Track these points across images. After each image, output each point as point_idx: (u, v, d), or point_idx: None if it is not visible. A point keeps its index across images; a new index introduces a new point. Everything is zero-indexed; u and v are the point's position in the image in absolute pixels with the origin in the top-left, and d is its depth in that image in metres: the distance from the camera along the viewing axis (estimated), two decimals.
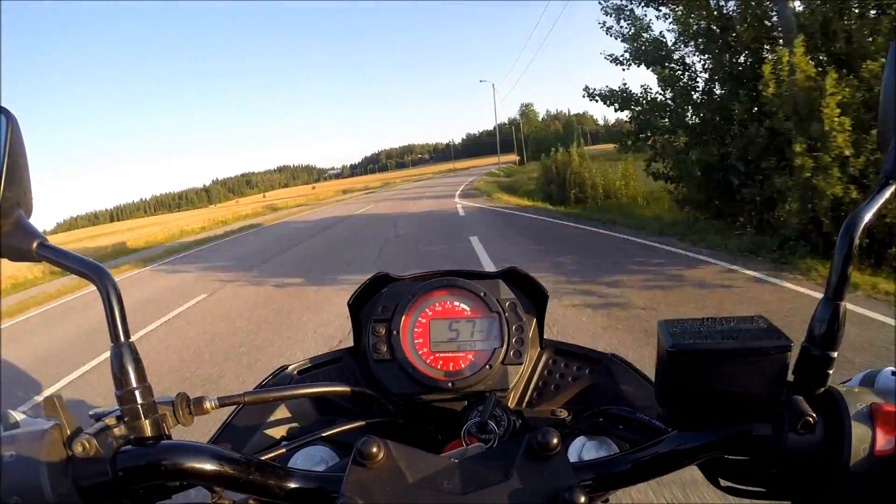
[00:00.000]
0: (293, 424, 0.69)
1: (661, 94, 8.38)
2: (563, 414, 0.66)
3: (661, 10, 8.39)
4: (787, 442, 0.40)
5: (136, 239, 23.05)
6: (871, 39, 5.57)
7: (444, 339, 0.68)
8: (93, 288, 0.44)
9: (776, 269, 5.23)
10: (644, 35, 8.35)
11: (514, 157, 42.96)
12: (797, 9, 6.49)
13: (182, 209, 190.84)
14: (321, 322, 5.08)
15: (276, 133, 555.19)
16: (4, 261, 0.46)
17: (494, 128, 49.52)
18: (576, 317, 4.32)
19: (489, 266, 6.38)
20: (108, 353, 0.43)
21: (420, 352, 0.67)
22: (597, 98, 8.71)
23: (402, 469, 0.40)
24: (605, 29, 8.63)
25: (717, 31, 7.57)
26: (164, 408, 0.46)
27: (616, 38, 8.62)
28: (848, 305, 0.40)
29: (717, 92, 7.92)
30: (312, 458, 0.61)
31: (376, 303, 0.71)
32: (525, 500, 0.38)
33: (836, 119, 5.17)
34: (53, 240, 0.45)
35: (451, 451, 0.50)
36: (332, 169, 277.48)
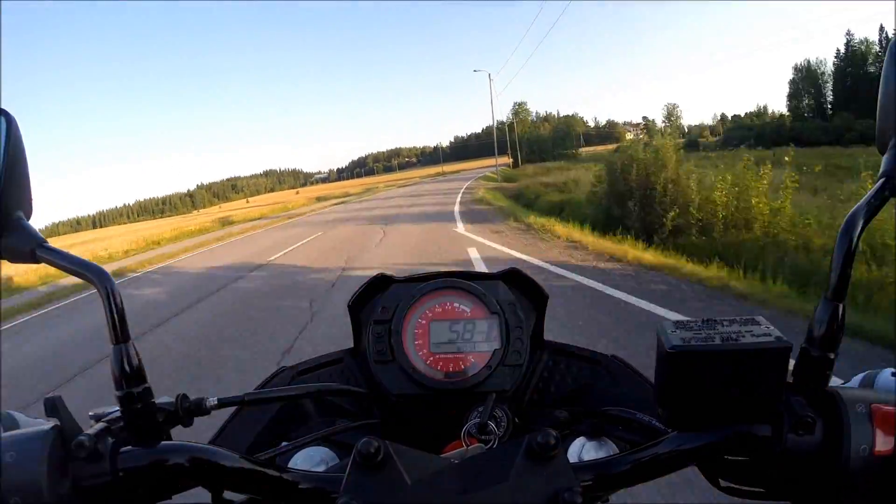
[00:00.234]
0: (293, 425, 0.68)
1: None
2: (563, 415, 0.65)
3: None
4: (787, 442, 0.40)
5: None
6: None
7: (445, 340, 0.68)
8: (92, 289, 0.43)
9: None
10: None
11: (506, 160, 41.58)
12: None
13: (165, 215, 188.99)
14: None
15: (264, 136, 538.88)
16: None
17: (492, 121, 48.30)
18: None
19: None
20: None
21: (420, 353, 0.67)
22: None
23: (401, 470, 0.40)
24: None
25: None
26: (164, 408, 0.46)
27: None
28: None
29: None
30: (312, 459, 0.61)
31: (376, 304, 0.71)
32: (525, 501, 0.38)
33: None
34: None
35: (451, 452, 0.51)
36: (319, 173, 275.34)
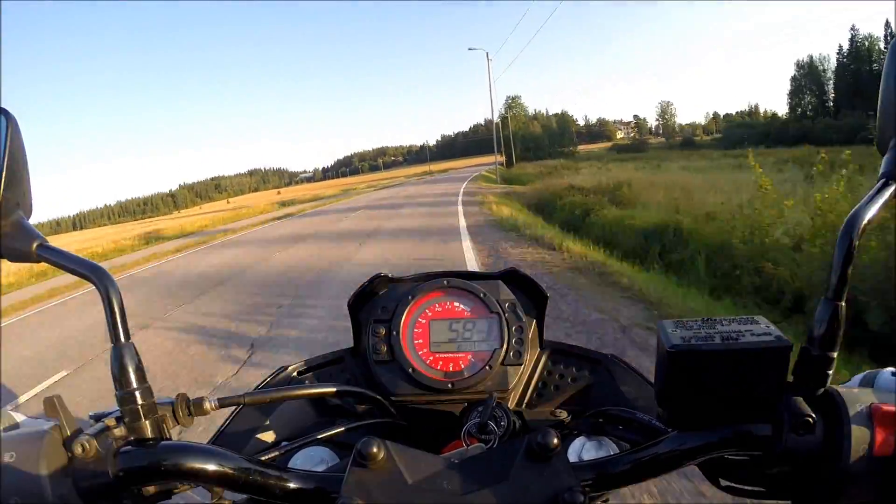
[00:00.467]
0: (293, 425, 0.69)
1: None
2: (563, 414, 0.66)
3: None
4: (787, 442, 0.40)
5: None
6: None
7: (444, 339, 0.68)
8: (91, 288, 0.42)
9: None
10: None
11: (498, 158, 38.60)
12: None
13: (147, 216, 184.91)
14: None
15: (249, 135, 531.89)
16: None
17: (490, 110, 42.58)
18: None
19: None
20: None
21: (420, 352, 0.67)
22: None
23: (401, 470, 0.40)
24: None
25: None
26: (164, 408, 0.46)
27: None
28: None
29: None
30: (312, 459, 0.61)
31: (376, 303, 0.71)
32: (525, 501, 0.38)
33: None
34: None
35: (451, 452, 0.50)
36: (304, 172, 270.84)
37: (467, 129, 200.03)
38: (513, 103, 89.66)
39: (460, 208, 15.04)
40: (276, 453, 0.56)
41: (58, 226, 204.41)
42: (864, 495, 0.39)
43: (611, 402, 0.66)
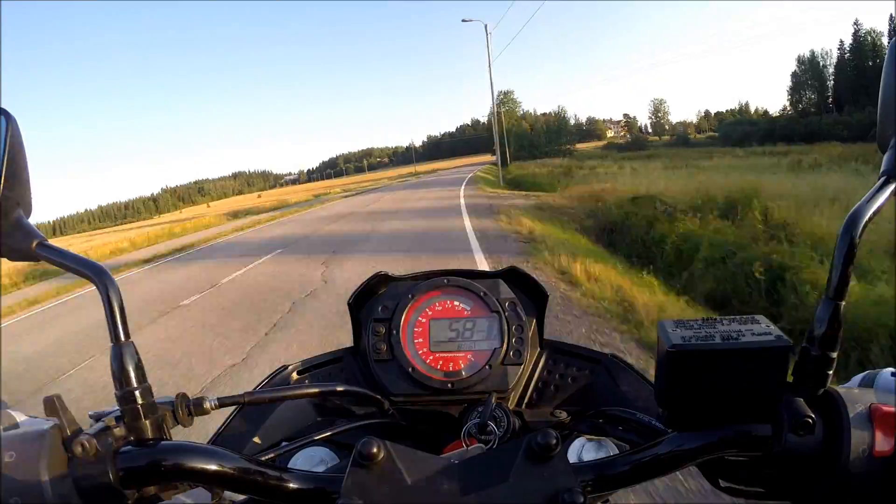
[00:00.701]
0: (293, 425, 0.69)
1: None
2: (563, 415, 0.66)
3: None
4: (787, 443, 0.40)
5: None
6: None
7: (444, 338, 0.68)
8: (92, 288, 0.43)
9: None
10: None
11: (488, 158, 35.66)
12: None
13: (127, 220, 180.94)
14: None
15: (234, 137, 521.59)
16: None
17: (491, 94, 33.99)
18: None
19: None
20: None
21: (420, 351, 0.68)
22: None
23: (401, 470, 0.40)
24: None
25: None
26: (164, 408, 0.46)
27: None
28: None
29: None
30: (312, 459, 0.62)
31: (376, 302, 0.72)
32: (525, 501, 0.38)
33: None
34: None
35: (451, 452, 0.50)
36: (289, 174, 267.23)
37: (454, 130, 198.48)
38: (505, 98, 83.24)
39: (471, 235, 8.91)
40: (276, 453, 0.55)
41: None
42: (864, 496, 0.39)
43: (611, 402, 0.65)
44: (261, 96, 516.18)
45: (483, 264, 6.61)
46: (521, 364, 0.67)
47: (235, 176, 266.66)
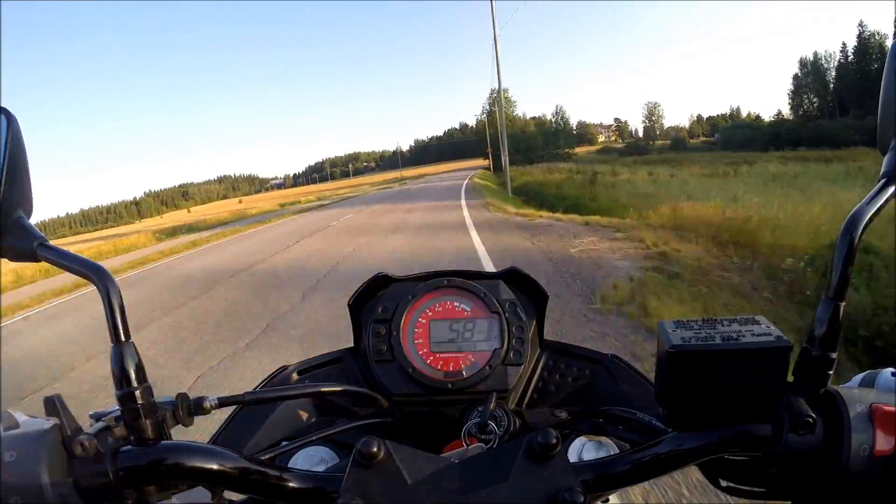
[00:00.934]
0: (293, 424, 0.69)
1: None
2: (563, 414, 0.66)
3: None
4: (787, 442, 0.40)
5: None
6: None
7: (445, 339, 0.68)
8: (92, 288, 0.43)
9: None
10: None
11: (479, 162, 33.31)
12: None
13: (109, 225, 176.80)
14: None
15: (220, 140, 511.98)
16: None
17: (497, 78, 25.50)
18: None
19: None
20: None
21: (420, 352, 0.67)
22: None
23: (402, 469, 0.40)
24: None
25: None
26: (164, 408, 0.46)
27: None
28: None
29: None
30: (312, 459, 0.61)
31: (376, 303, 0.71)
32: (525, 501, 0.38)
33: None
34: None
35: (452, 452, 0.50)
36: (275, 179, 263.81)
37: (441, 134, 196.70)
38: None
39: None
40: (276, 453, 0.56)
41: None
42: (864, 496, 0.39)
43: (611, 402, 0.65)
44: (249, 100, 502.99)
45: None
46: (521, 364, 0.67)
47: (220, 180, 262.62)
